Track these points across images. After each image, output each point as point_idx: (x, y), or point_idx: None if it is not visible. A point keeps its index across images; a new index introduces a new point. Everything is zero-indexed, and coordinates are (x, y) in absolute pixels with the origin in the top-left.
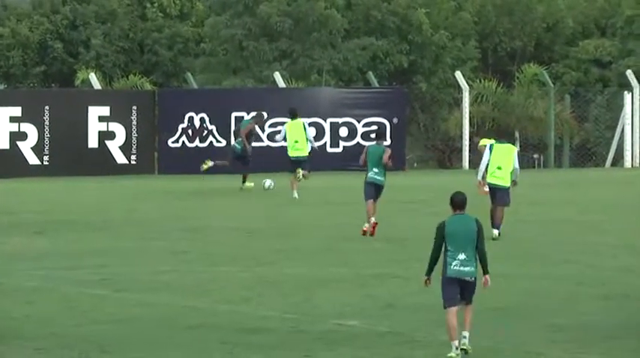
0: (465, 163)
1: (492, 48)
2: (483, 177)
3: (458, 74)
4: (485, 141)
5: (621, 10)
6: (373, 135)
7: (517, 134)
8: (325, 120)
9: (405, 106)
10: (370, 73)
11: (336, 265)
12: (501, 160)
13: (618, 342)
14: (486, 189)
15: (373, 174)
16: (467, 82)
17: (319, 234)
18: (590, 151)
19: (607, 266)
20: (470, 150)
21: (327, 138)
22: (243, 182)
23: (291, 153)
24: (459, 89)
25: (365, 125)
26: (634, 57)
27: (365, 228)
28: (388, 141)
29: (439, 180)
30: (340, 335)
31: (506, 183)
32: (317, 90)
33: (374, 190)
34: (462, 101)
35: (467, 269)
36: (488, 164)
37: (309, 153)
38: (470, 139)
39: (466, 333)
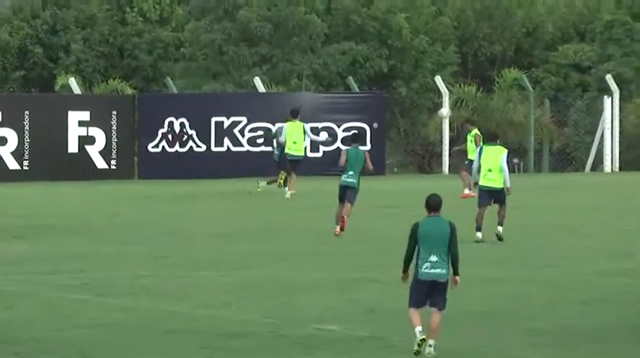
0: (445, 168)
1: (472, 53)
2: (475, 182)
3: (438, 79)
4: (476, 131)
5: (600, 15)
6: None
7: None
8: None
9: (385, 111)
10: (350, 77)
11: (317, 269)
12: (491, 162)
13: (598, 346)
14: (471, 193)
15: (346, 176)
16: (447, 87)
17: (300, 237)
18: (570, 156)
19: (587, 270)
20: (450, 155)
21: (307, 142)
22: (268, 183)
23: (289, 153)
24: (439, 94)
25: (345, 130)
26: (613, 62)
27: (337, 231)
28: (368, 146)
29: (419, 184)
30: (320, 340)
31: (499, 184)
32: (297, 95)
33: (345, 192)
34: (441, 106)
35: (438, 271)
36: (479, 167)
37: (305, 152)
38: (461, 125)
39: (432, 342)
